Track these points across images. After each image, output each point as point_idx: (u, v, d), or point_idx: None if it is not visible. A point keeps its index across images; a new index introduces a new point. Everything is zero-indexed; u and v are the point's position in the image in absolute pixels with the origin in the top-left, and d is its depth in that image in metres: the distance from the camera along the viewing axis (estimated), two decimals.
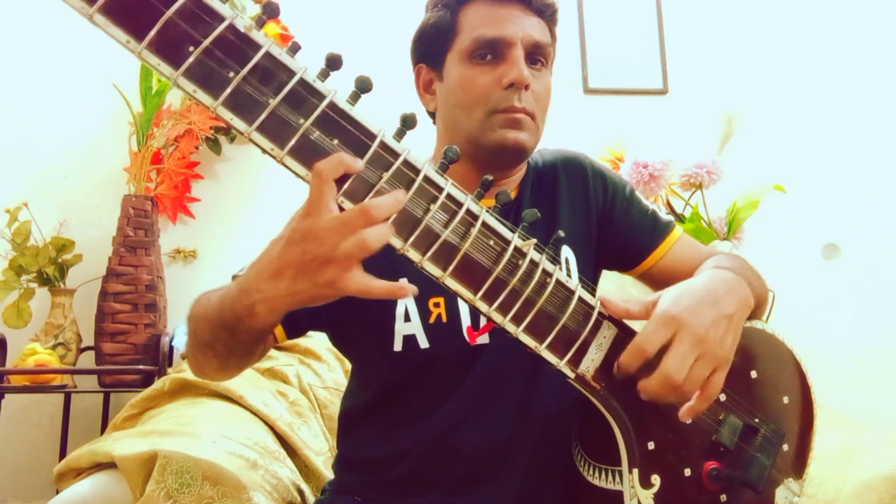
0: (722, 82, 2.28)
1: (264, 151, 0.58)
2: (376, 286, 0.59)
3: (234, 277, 0.86)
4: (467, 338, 0.87)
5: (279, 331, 0.86)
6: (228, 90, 0.56)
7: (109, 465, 0.97)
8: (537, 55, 0.91)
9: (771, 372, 0.87)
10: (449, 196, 0.63)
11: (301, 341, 1.58)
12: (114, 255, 1.74)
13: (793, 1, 2.37)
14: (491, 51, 0.88)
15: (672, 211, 1.87)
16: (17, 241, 1.72)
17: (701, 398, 0.71)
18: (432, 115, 0.99)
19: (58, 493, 0.96)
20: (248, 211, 2.02)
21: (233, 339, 0.69)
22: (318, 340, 1.60)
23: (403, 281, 0.87)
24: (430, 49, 0.95)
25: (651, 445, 0.75)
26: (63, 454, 1.58)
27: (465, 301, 0.66)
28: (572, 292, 0.71)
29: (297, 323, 0.87)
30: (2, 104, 1.92)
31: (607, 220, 0.98)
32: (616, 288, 1.39)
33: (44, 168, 1.91)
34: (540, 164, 1.00)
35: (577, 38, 2.25)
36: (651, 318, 0.71)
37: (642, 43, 2.30)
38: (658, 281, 0.99)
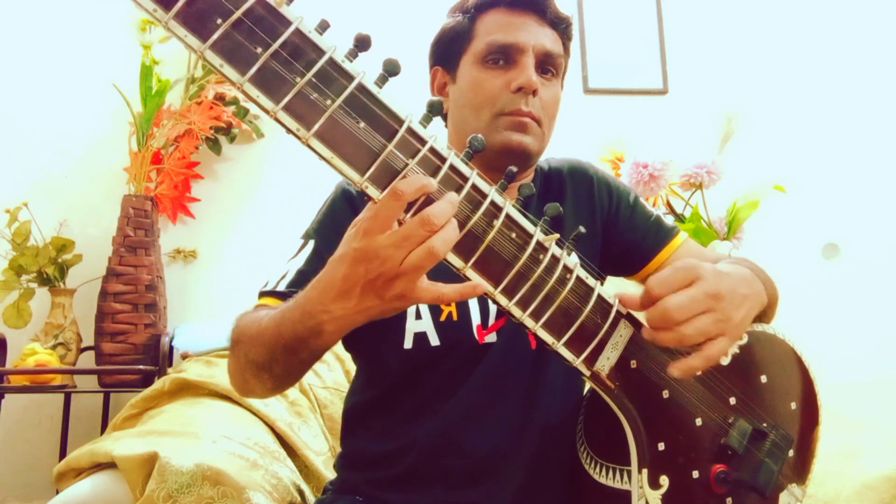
0: (722, 82, 2.28)
1: (289, 132, 0.56)
2: (447, 291, 0.60)
3: (260, 295, 0.86)
4: (476, 336, 0.88)
5: None
6: (256, 67, 0.54)
7: (109, 465, 0.98)
8: (548, 65, 0.93)
9: (780, 377, 0.87)
10: (474, 186, 0.62)
11: None
12: (114, 255, 1.74)
13: (793, 1, 2.37)
14: (503, 56, 0.91)
15: (672, 211, 1.87)
16: (17, 241, 1.72)
17: (699, 356, 0.68)
18: (444, 117, 1.00)
19: (58, 493, 0.97)
20: (247, 211, 2.02)
21: (293, 359, 0.70)
22: None
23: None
24: (446, 52, 0.98)
25: (661, 446, 0.76)
26: (63, 454, 1.58)
27: (486, 294, 0.65)
28: (592, 289, 0.71)
29: None
30: (2, 104, 1.92)
31: (611, 226, 0.99)
32: (616, 290, 1.39)
33: (44, 168, 1.91)
34: (547, 170, 1.02)
35: (578, 38, 2.25)
36: (671, 266, 0.70)
37: (642, 43, 2.30)
38: None
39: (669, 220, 1.03)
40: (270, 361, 0.71)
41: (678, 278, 0.67)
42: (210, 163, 2.02)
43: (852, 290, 2.20)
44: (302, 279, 0.83)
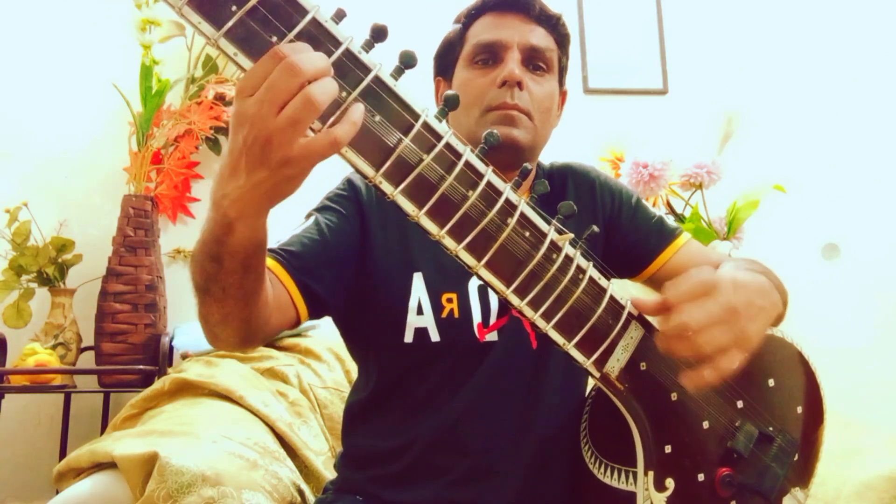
0: (722, 82, 2.28)
1: None
2: (315, 142, 0.53)
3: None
4: (477, 334, 0.89)
5: (301, 304, 0.83)
6: None
7: (109, 465, 0.97)
8: (537, 60, 0.95)
9: (787, 381, 0.87)
10: (489, 184, 0.61)
11: (301, 341, 1.59)
12: (114, 255, 1.74)
13: (793, 1, 2.37)
14: (490, 55, 0.93)
15: (672, 211, 1.87)
16: (17, 241, 1.72)
17: (711, 368, 0.67)
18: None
19: (58, 493, 0.96)
20: None
21: (221, 271, 0.64)
22: (318, 340, 1.60)
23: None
24: (444, 62, 1.01)
25: (668, 449, 0.75)
26: (63, 454, 1.58)
27: (497, 293, 0.65)
28: (604, 290, 0.71)
29: (316, 296, 0.84)
30: (2, 104, 1.92)
31: (614, 227, 1.00)
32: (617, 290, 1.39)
33: (44, 168, 1.91)
34: (549, 172, 1.03)
35: (577, 38, 2.25)
36: (687, 278, 0.68)
37: (642, 43, 2.30)
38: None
39: (672, 222, 1.04)
40: (205, 279, 0.67)
41: (695, 288, 0.67)
42: (210, 163, 2.01)
43: (852, 289, 2.20)
44: (293, 240, 0.85)
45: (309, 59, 0.51)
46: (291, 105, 0.50)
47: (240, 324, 0.71)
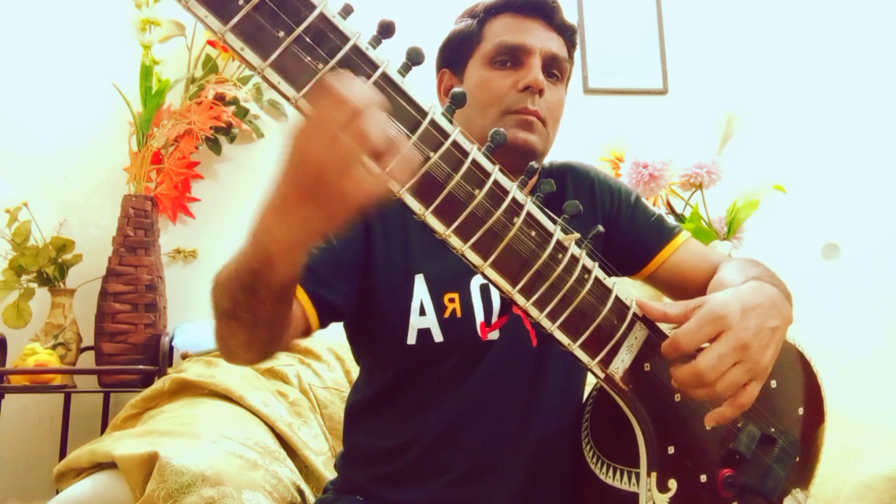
0: (722, 82, 2.28)
1: None
2: (369, 180, 0.52)
3: None
4: (479, 333, 0.89)
5: (312, 316, 0.83)
6: (278, 51, 0.52)
7: (109, 465, 0.98)
8: (553, 68, 0.96)
9: (790, 382, 0.87)
10: (496, 182, 0.61)
11: (301, 341, 1.58)
12: (114, 255, 1.74)
13: (793, 1, 2.37)
14: (511, 57, 0.93)
15: (672, 211, 1.87)
16: (17, 241, 1.72)
17: (732, 405, 0.69)
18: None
19: (58, 493, 0.96)
20: (247, 211, 1.99)
21: (253, 300, 0.64)
22: (318, 340, 1.60)
23: (420, 278, 0.89)
24: (454, 55, 1.00)
25: (671, 450, 0.75)
26: (63, 454, 1.58)
27: (503, 293, 0.64)
28: (609, 290, 0.71)
29: (329, 306, 0.85)
30: (2, 104, 1.92)
31: (613, 226, 1.00)
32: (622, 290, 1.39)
33: (44, 168, 1.91)
34: (549, 172, 1.04)
35: (578, 38, 2.25)
36: (696, 315, 0.69)
37: (642, 43, 2.30)
38: (665, 284, 1.00)
39: (672, 221, 1.04)
40: (234, 306, 0.67)
41: (706, 332, 0.67)
42: (210, 163, 2.01)
43: (852, 290, 2.20)
44: None
45: (358, 89, 0.51)
46: (344, 138, 0.50)
47: (264, 346, 0.73)
